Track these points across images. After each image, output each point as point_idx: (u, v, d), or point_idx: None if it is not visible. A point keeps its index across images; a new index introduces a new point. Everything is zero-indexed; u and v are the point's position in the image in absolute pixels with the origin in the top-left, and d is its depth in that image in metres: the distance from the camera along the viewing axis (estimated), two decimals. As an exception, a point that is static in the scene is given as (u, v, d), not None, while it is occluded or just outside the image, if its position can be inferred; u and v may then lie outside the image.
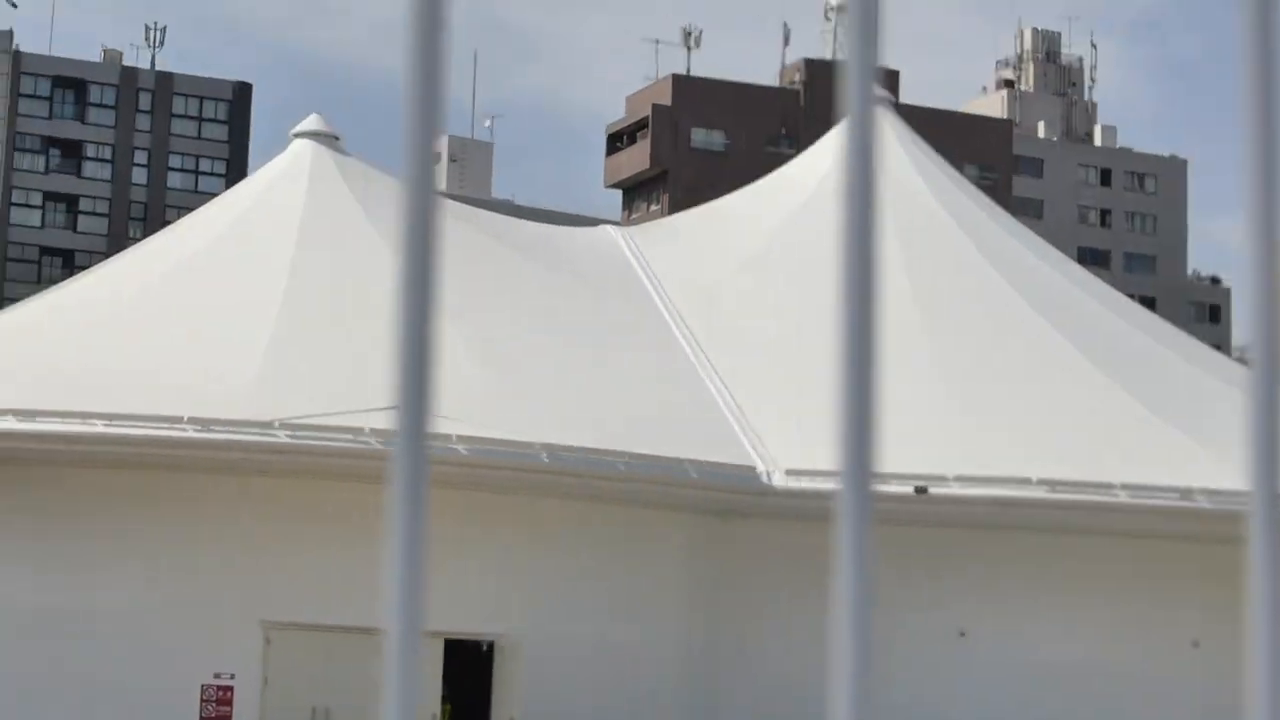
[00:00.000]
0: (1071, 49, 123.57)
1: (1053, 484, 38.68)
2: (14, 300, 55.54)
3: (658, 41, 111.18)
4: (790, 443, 39.30)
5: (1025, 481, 38.63)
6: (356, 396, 36.44)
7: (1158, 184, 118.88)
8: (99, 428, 35.80)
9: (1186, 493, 38.97)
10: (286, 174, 46.14)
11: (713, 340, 43.87)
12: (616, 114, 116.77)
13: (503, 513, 37.82)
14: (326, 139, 46.91)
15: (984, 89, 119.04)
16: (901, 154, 49.65)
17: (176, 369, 37.77)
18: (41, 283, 59.78)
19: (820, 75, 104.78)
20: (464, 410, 37.22)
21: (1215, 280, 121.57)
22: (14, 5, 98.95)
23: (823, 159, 51.19)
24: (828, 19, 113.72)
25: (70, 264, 76.96)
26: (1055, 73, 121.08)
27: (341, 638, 36.76)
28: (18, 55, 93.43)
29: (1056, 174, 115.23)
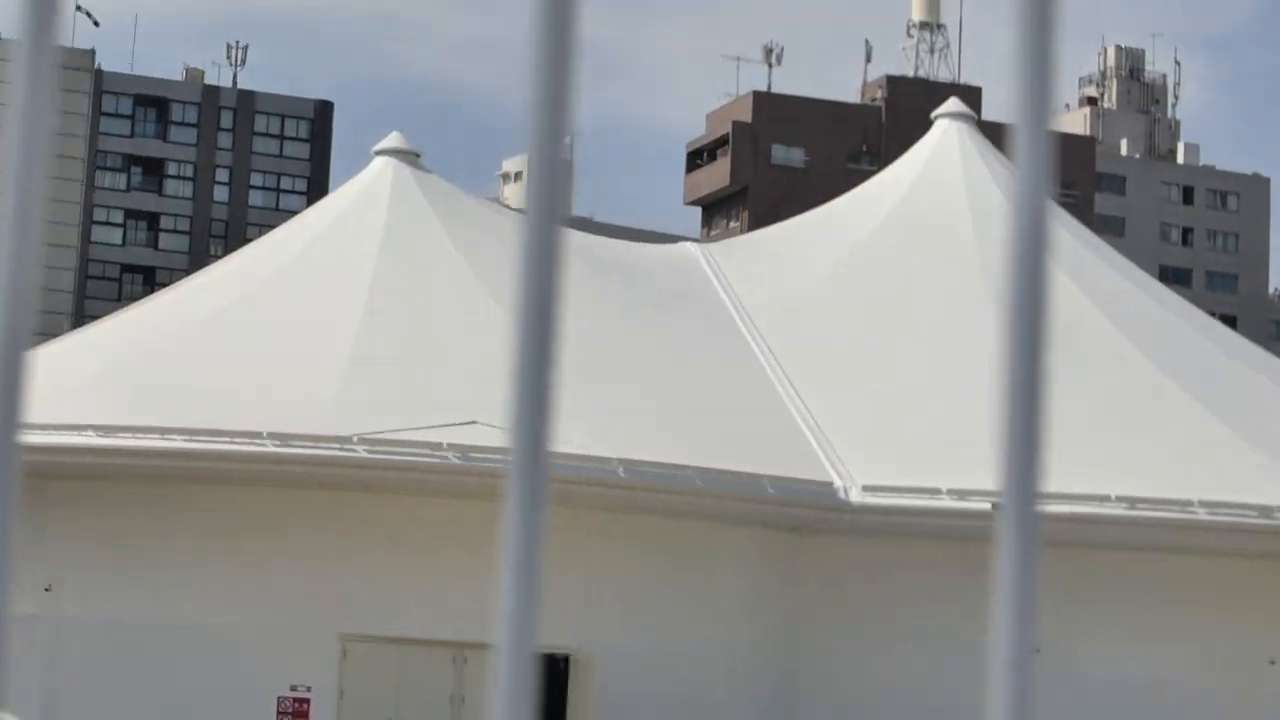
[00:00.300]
0: (1155, 66, 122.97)
1: (1131, 501, 38.56)
2: (95, 317, 55.74)
3: (739, 58, 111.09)
4: (867, 459, 39.28)
5: (1104, 499, 38.50)
6: (436, 412, 36.61)
7: (1240, 202, 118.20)
8: (179, 443, 36.04)
9: (1266, 510, 38.77)
10: (367, 191, 46.30)
11: (791, 357, 43.80)
12: (697, 131, 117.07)
13: (580, 527, 37.78)
14: (407, 156, 47.03)
15: (1066, 106, 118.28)
16: (984, 171, 49.58)
17: (257, 385, 37.95)
18: (122, 300, 60.08)
19: (902, 92, 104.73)
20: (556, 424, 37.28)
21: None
22: (96, 24, 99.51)
23: (904, 176, 51.17)
24: (910, 35, 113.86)
25: (151, 281, 77.39)
26: (1138, 90, 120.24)
27: (416, 651, 36.91)
28: (99, 74, 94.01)
29: (1139, 192, 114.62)
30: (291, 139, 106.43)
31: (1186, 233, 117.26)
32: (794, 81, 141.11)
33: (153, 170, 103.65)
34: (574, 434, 37.37)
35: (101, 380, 39.68)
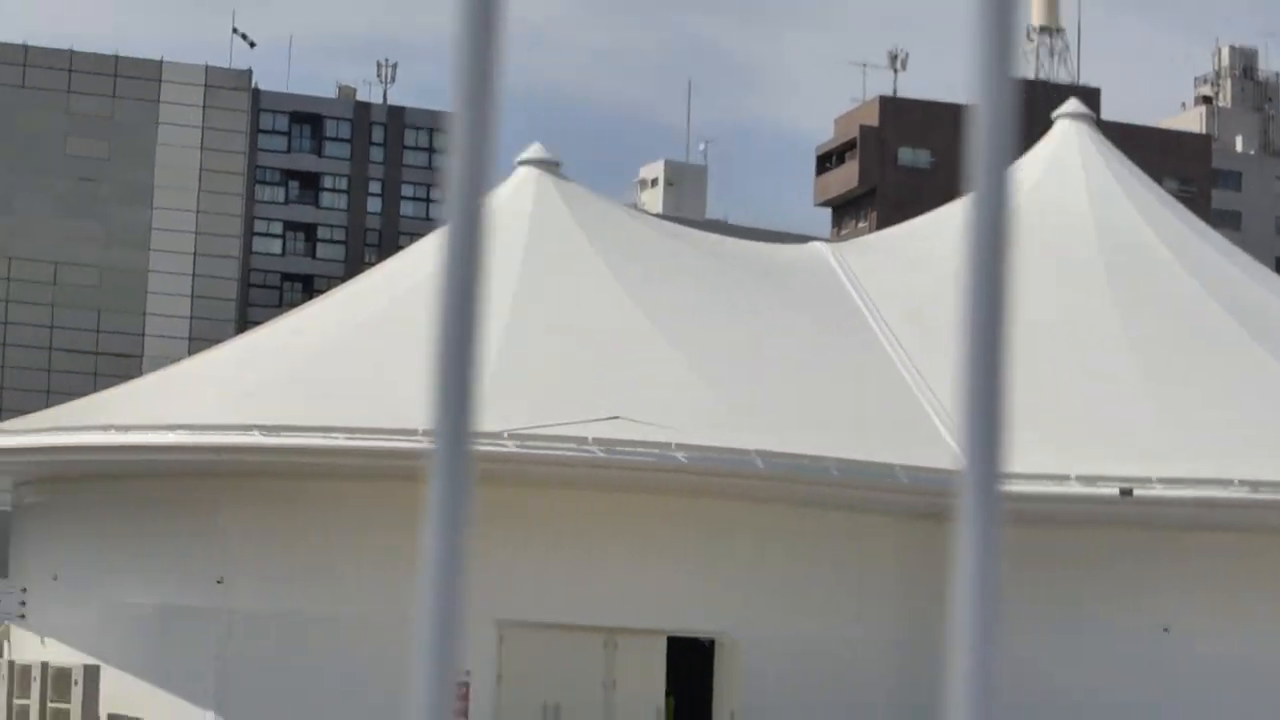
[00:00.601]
0: (1268, 65, 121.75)
1: (1254, 484, 38.24)
2: (257, 323, 56.32)
3: (865, 65, 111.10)
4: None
5: (1227, 483, 38.23)
6: (580, 409, 36.85)
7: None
8: (340, 441, 36.44)
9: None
10: (512, 199, 46.53)
11: (920, 349, 43.72)
12: (825, 135, 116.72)
13: (722, 517, 37.95)
14: (548, 165, 47.30)
15: (1183, 105, 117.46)
16: (1103, 168, 49.37)
17: (411, 384, 38.22)
18: (282, 306, 60.61)
19: (1023, 94, 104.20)
20: (683, 420, 37.56)
21: None
22: (252, 45, 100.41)
23: (1026, 175, 50.88)
24: (1029, 40, 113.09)
25: (309, 288, 78.02)
26: (1252, 89, 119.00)
27: (568, 635, 37.14)
28: (257, 93, 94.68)
29: (1254, 187, 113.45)
30: (440, 151, 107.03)
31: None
32: (918, 86, 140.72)
33: (309, 184, 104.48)
34: (714, 428, 37.65)
35: (265, 383, 40.19)
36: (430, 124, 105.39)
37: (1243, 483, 38.22)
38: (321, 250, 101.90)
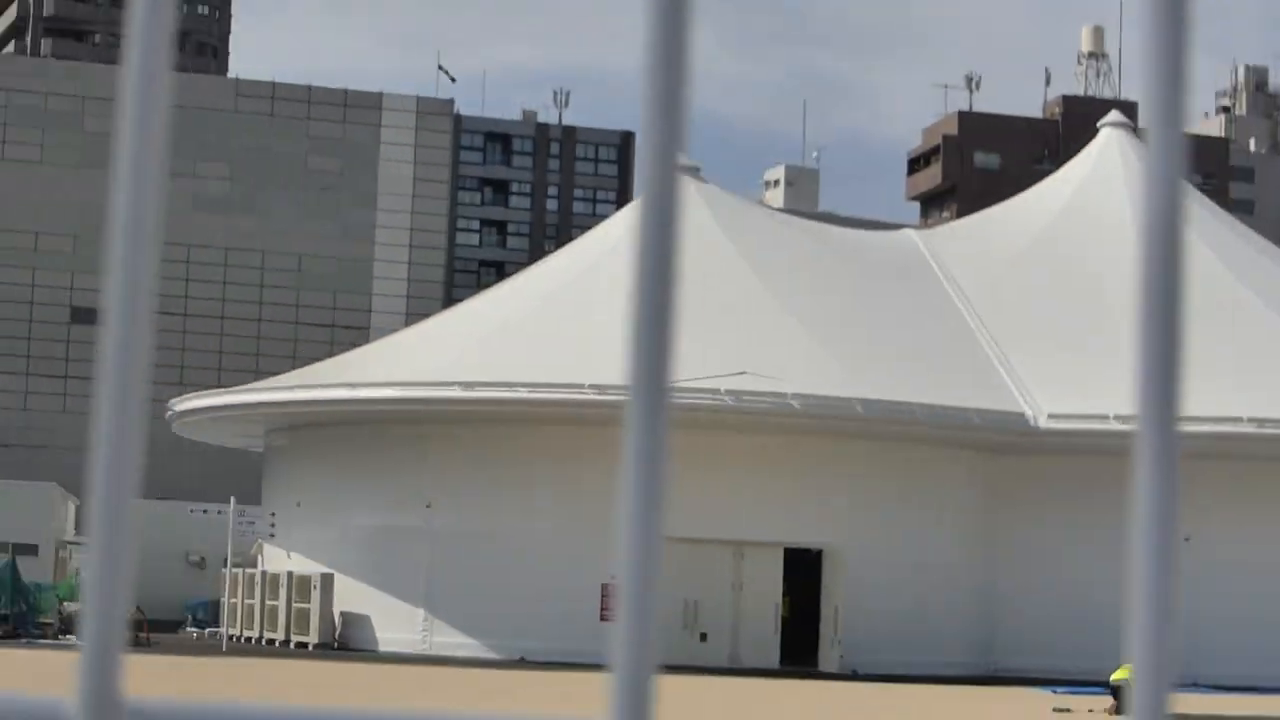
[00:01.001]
0: (1277, 80, 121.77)
1: (1260, 421, 38.14)
2: (459, 300, 56.56)
3: (946, 86, 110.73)
4: (1052, 394, 39.11)
5: (1237, 419, 38.03)
6: (715, 366, 36.75)
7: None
8: (522, 394, 36.62)
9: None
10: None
11: (992, 317, 43.53)
12: (914, 142, 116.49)
13: (828, 452, 37.90)
14: (690, 170, 47.00)
15: (1205, 114, 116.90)
16: (1140, 167, 49.41)
17: (577, 349, 38.39)
18: (479, 287, 60.83)
19: (1074, 107, 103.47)
20: (797, 374, 37.47)
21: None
22: (453, 80, 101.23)
23: (1077, 173, 50.93)
24: (1080, 63, 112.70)
25: (501, 273, 77.88)
26: (1264, 100, 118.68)
27: (706, 547, 37.04)
28: (458, 118, 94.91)
29: (1265, 179, 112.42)
30: (604, 161, 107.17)
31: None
32: (990, 101, 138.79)
33: (500, 189, 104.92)
34: (822, 380, 37.48)
35: (465, 346, 40.43)
36: (596, 140, 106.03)
37: (1250, 419, 38.22)
38: (510, 242, 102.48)
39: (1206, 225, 48.22)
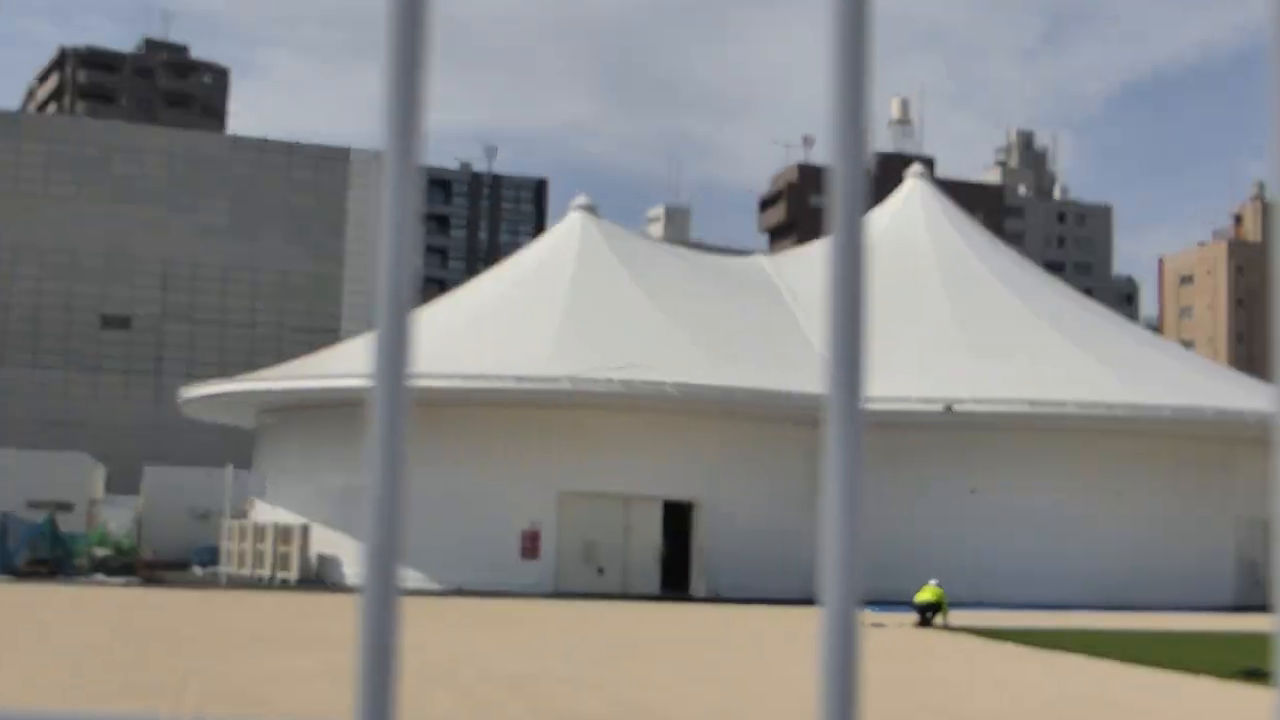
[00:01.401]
0: (1041, 141, 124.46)
1: (1032, 402, 38.60)
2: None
3: (786, 145, 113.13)
4: (868, 379, 39.70)
5: (1014, 401, 38.55)
6: (611, 361, 36.95)
7: (1093, 221, 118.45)
8: (458, 383, 36.57)
9: (1110, 407, 38.81)
10: (568, 232, 46.73)
11: (818, 318, 43.95)
12: (765, 187, 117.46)
13: (696, 426, 38.13)
14: (589, 209, 47.41)
15: (985, 167, 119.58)
16: (937, 208, 50.16)
17: (499, 348, 38.39)
18: (425, 300, 61.17)
19: (886, 162, 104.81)
20: (673, 367, 37.68)
21: (1130, 279, 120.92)
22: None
23: (890, 210, 51.60)
24: (890, 127, 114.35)
25: (443, 288, 77.50)
26: (1031, 155, 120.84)
27: (602, 500, 37.27)
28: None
29: (1032, 216, 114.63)
30: (524, 201, 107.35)
31: (1061, 239, 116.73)
32: (822, 155, 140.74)
33: (442, 223, 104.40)
34: (690, 371, 37.72)
35: (414, 346, 40.28)
36: (518, 185, 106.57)
37: (1023, 400, 38.61)
38: (450, 264, 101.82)
39: (989, 253, 49.23)
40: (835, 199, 0.66)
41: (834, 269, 0.63)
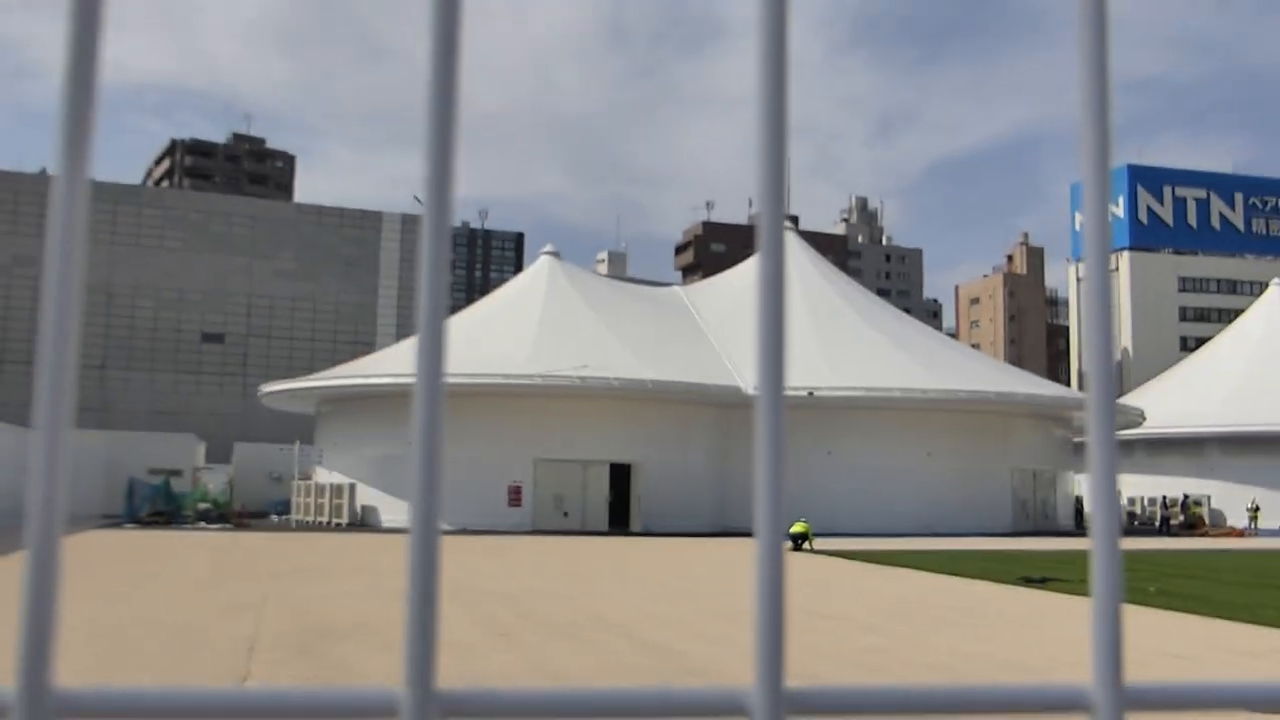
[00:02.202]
0: (873, 202, 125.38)
1: (868, 389, 38.68)
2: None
3: (693, 207, 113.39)
4: (754, 374, 39.47)
5: (857, 388, 38.65)
6: (569, 364, 36.61)
7: (910, 260, 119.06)
8: (463, 380, 36.14)
9: (924, 391, 38.90)
10: (537, 273, 46.32)
11: (721, 333, 43.84)
12: (679, 237, 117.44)
13: (634, 409, 37.92)
14: (554, 255, 47.06)
15: (834, 223, 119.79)
16: (800, 254, 49.84)
17: (495, 354, 38.00)
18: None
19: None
20: (616, 366, 37.34)
21: (936, 301, 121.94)
22: (421, 203, 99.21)
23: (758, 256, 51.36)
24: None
25: (451, 312, 77.22)
26: (866, 214, 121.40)
27: (566, 464, 37.02)
28: (413, 220, 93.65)
29: (867, 257, 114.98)
30: (508, 249, 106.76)
31: (887, 274, 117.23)
32: (720, 215, 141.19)
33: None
34: (630, 369, 37.44)
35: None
36: (502, 237, 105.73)
37: (865, 388, 38.77)
38: (455, 296, 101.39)
39: (838, 283, 49.33)
40: (763, 240, 0.66)
41: (762, 293, 0.63)
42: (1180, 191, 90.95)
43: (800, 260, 48.95)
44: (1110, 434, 0.61)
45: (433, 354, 0.55)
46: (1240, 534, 45.13)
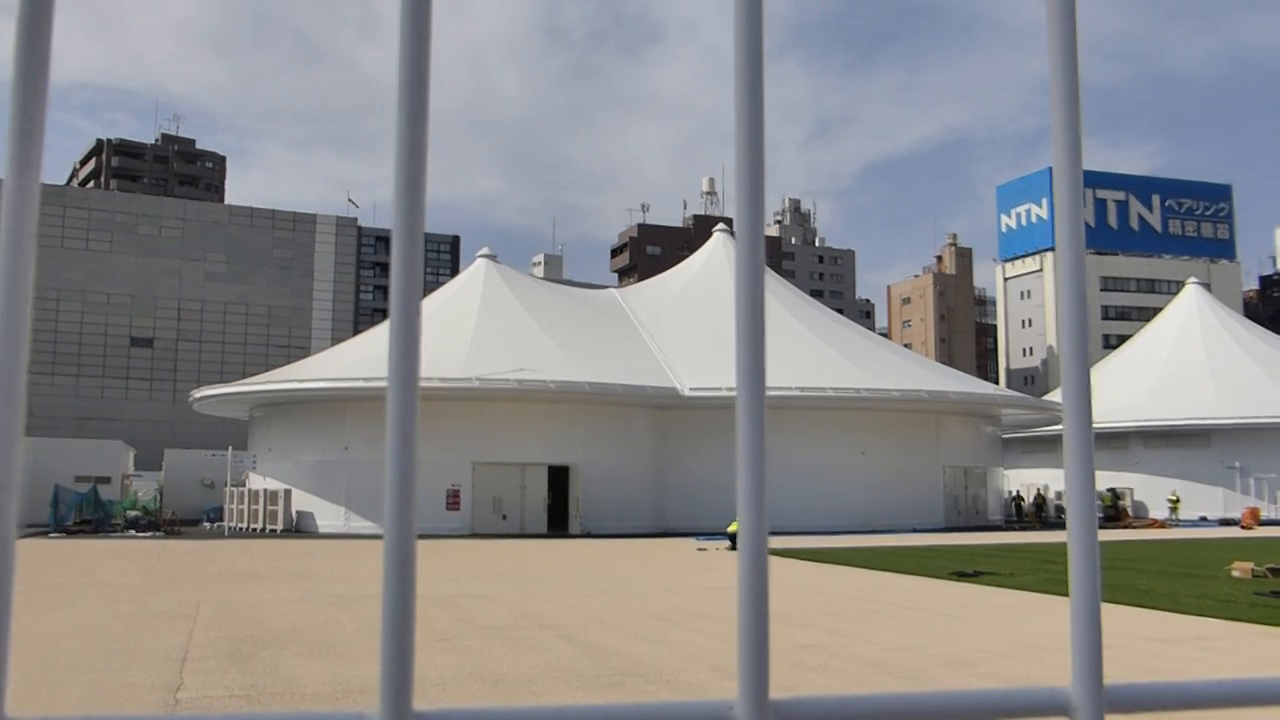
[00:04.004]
0: (806, 205, 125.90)
1: (803, 388, 38.93)
2: (362, 331, 55.58)
3: (630, 209, 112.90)
4: (691, 376, 39.54)
5: (792, 387, 38.84)
6: (507, 366, 36.43)
7: (843, 261, 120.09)
8: (383, 384, 35.69)
9: (857, 390, 39.27)
10: (473, 276, 46.02)
11: (657, 334, 43.92)
12: (614, 240, 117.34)
13: (570, 411, 37.84)
14: (490, 257, 46.80)
15: (768, 225, 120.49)
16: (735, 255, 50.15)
17: (426, 357, 37.72)
18: (373, 324, 59.53)
19: (699, 222, 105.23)
20: (552, 369, 37.22)
21: (868, 301, 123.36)
22: (356, 205, 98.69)
23: (703, 256, 51.65)
24: (702, 196, 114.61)
25: (385, 316, 76.16)
26: (800, 216, 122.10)
27: (504, 467, 36.80)
28: (359, 228, 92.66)
29: (800, 259, 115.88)
30: (443, 252, 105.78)
31: (821, 275, 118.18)
32: (655, 218, 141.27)
33: (385, 269, 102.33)
34: (561, 371, 37.36)
35: (364, 356, 39.24)
36: (438, 241, 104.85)
37: (798, 387, 39.02)
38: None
39: (773, 285, 49.73)
40: (741, 245, 0.65)
41: (740, 299, 0.63)
42: (1101, 194, 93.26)
43: (733, 263, 49.24)
44: (1087, 440, 0.61)
45: (406, 368, 0.55)
46: (1161, 525, 46.41)
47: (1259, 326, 63.45)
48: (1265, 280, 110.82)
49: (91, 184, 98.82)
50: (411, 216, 0.58)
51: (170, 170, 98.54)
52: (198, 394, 42.65)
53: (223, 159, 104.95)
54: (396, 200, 0.59)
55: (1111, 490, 50.37)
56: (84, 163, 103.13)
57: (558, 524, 37.17)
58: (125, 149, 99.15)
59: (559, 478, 37.54)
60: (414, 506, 0.54)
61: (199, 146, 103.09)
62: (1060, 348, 0.65)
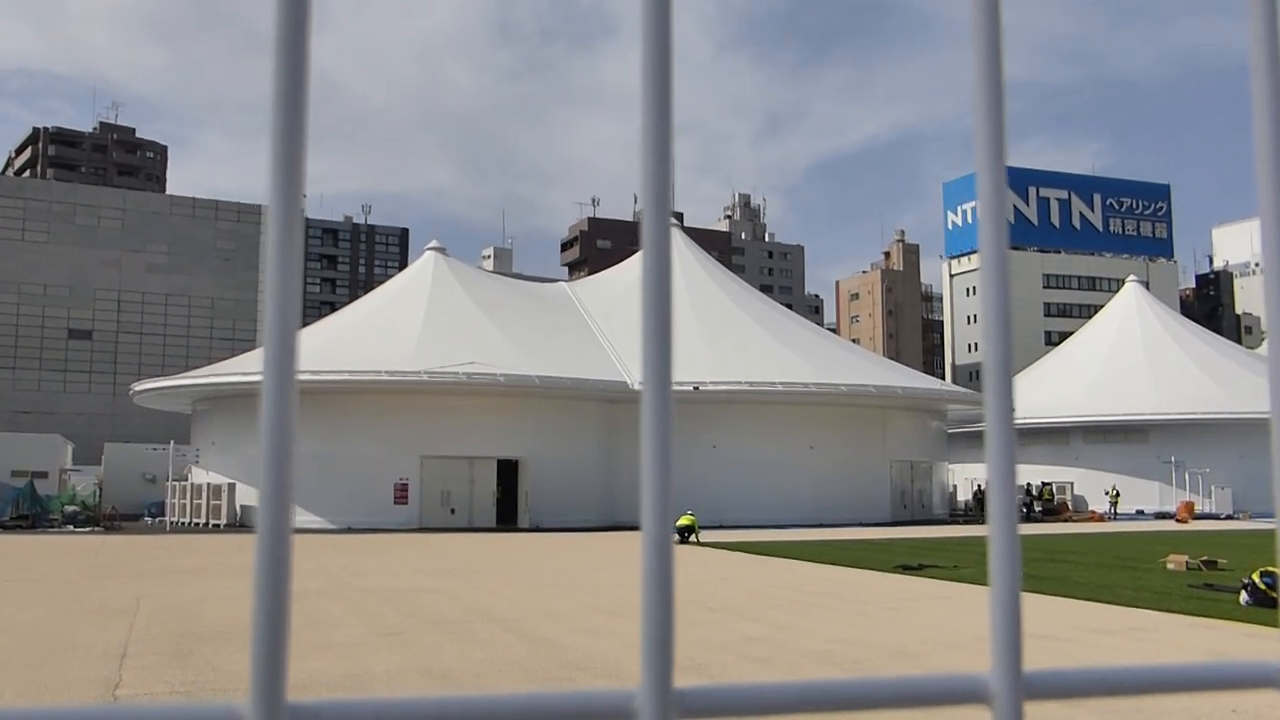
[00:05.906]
0: (756, 199, 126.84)
1: (751, 383, 39.13)
2: (308, 325, 55.08)
3: (580, 203, 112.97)
4: (640, 369, 39.51)
5: (740, 382, 39.07)
6: (457, 359, 36.25)
7: (792, 257, 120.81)
8: (345, 376, 35.43)
9: (805, 385, 39.50)
10: (423, 267, 45.69)
11: (606, 327, 43.91)
12: (565, 234, 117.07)
13: (519, 405, 37.74)
14: (439, 250, 46.50)
15: (718, 220, 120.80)
16: (685, 250, 50.13)
17: (376, 351, 37.38)
18: (320, 317, 59.35)
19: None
20: (502, 361, 37.13)
21: (817, 296, 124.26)
22: (304, 197, 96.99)
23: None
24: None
25: (333, 308, 75.34)
26: (749, 210, 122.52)
27: (453, 461, 36.61)
28: (307, 220, 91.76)
29: (750, 254, 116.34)
30: (392, 245, 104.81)
31: (770, 270, 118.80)
32: (605, 211, 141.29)
33: (331, 260, 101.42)
34: (518, 364, 37.24)
35: (312, 348, 38.77)
36: (388, 234, 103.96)
37: (748, 383, 39.19)
38: (339, 290, 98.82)
39: (722, 279, 49.85)
40: (646, 237, 0.65)
41: (646, 289, 0.62)
42: (1044, 192, 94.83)
43: (685, 256, 49.34)
44: (1009, 431, 0.61)
45: (282, 365, 0.54)
46: (1100, 518, 47.33)
47: (1195, 324, 64.95)
48: (1201, 279, 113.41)
49: (28, 173, 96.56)
50: (289, 208, 0.58)
51: (109, 159, 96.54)
52: (138, 387, 41.94)
53: (164, 148, 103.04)
54: (272, 192, 0.59)
55: (1046, 484, 51.15)
56: (19, 151, 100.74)
57: (507, 518, 37.04)
58: (62, 137, 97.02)
59: (508, 471, 37.41)
60: (290, 489, 0.54)
61: (139, 135, 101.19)
62: (983, 343, 0.67)
